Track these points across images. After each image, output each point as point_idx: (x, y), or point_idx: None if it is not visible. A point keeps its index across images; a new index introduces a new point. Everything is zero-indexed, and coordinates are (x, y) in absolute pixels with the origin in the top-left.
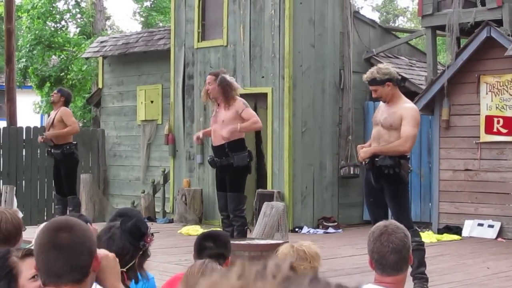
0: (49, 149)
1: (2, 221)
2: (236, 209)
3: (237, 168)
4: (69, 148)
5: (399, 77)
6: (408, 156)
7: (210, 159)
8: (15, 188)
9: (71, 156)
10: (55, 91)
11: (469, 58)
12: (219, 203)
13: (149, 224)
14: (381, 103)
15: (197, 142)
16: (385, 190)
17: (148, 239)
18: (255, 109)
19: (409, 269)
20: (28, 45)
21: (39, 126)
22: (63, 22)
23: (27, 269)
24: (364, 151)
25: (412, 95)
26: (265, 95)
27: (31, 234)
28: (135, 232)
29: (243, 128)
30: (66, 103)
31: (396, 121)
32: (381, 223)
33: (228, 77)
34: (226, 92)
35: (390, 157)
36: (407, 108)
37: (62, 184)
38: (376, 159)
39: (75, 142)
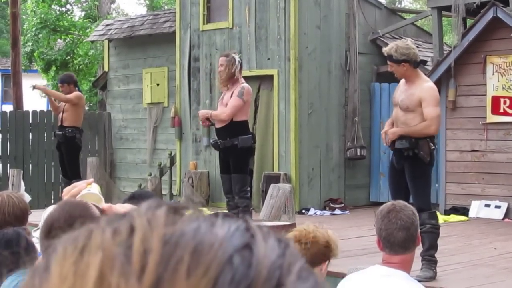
0: (55, 131)
1: (9, 204)
2: (241, 190)
3: (241, 150)
4: (71, 132)
5: (418, 60)
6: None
7: (213, 141)
8: (22, 171)
9: (72, 141)
10: (60, 85)
11: (475, 38)
12: (223, 186)
13: None
14: (400, 82)
15: (204, 124)
16: (405, 171)
17: None
18: (258, 91)
19: (419, 250)
20: (33, 29)
21: (45, 110)
22: (68, 6)
23: None
24: (391, 132)
25: None
26: (271, 77)
27: (37, 218)
28: None
29: (213, 115)
30: (76, 85)
31: (413, 103)
32: (389, 202)
33: (237, 57)
34: (230, 71)
35: (407, 139)
36: (425, 89)
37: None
38: (396, 142)
39: (81, 128)
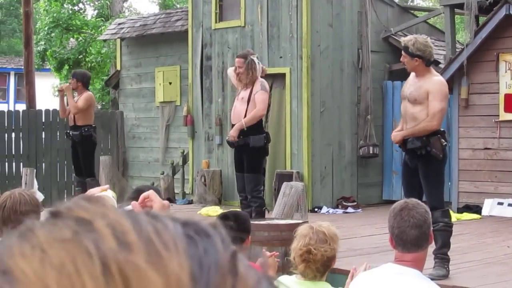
0: (68, 131)
1: (21, 202)
2: (254, 190)
3: (253, 149)
4: (87, 130)
5: (431, 59)
6: (442, 129)
7: (229, 138)
8: (35, 170)
9: (89, 139)
10: (70, 77)
11: (488, 36)
12: (237, 184)
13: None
14: (410, 76)
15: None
16: (419, 170)
17: None
18: (270, 89)
19: (432, 248)
20: (46, 28)
21: (58, 108)
22: (80, 5)
23: None
24: (394, 135)
25: None
26: (283, 75)
27: None
28: None
29: (247, 122)
30: (85, 85)
31: (421, 95)
32: (401, 200)
33: (255, 59)
34: (250, 75)
35: (418, 138)
36: (434, 82)
37: (80, 165)
38: (407, 142)
39: (94, 125)
